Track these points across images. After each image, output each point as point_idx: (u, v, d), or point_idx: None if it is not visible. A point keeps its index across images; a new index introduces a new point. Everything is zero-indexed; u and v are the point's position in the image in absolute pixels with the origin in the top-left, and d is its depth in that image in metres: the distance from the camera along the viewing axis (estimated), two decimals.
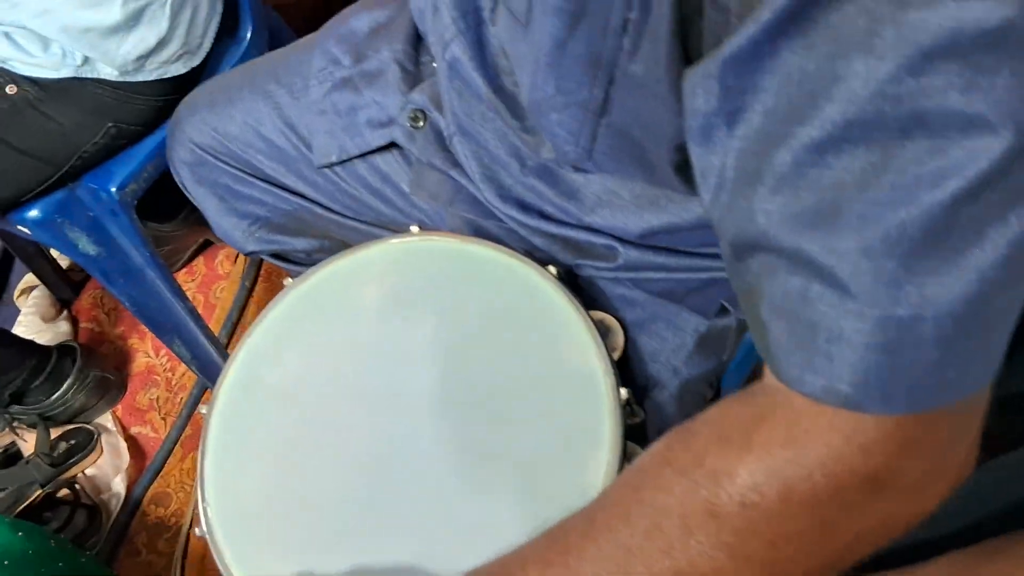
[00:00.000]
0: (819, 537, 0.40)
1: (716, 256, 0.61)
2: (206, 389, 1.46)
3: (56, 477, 1.39)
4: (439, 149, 0.75)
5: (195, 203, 0.98)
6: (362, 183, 0.87)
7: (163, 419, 1.47)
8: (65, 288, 1.61)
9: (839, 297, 0.36)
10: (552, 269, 0.63)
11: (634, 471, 0.46)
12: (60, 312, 1.60)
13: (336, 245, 0.95)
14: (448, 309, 0.65)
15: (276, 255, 0.98)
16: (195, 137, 0.93)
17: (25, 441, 1.41)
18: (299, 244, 0.96)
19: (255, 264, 1.57)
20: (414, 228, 0.69)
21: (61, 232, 1.10)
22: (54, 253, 1.60)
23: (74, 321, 1.61)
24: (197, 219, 1.50)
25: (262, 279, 1.56)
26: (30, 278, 1.60)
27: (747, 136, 0.37)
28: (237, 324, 1.52)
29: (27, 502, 1.36)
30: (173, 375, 1.51)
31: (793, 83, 0.35)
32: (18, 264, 1.68)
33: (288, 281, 0.72)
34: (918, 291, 0.34)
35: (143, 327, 1.55)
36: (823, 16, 0.33)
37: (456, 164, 0.73)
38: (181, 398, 1.48)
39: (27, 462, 1.38)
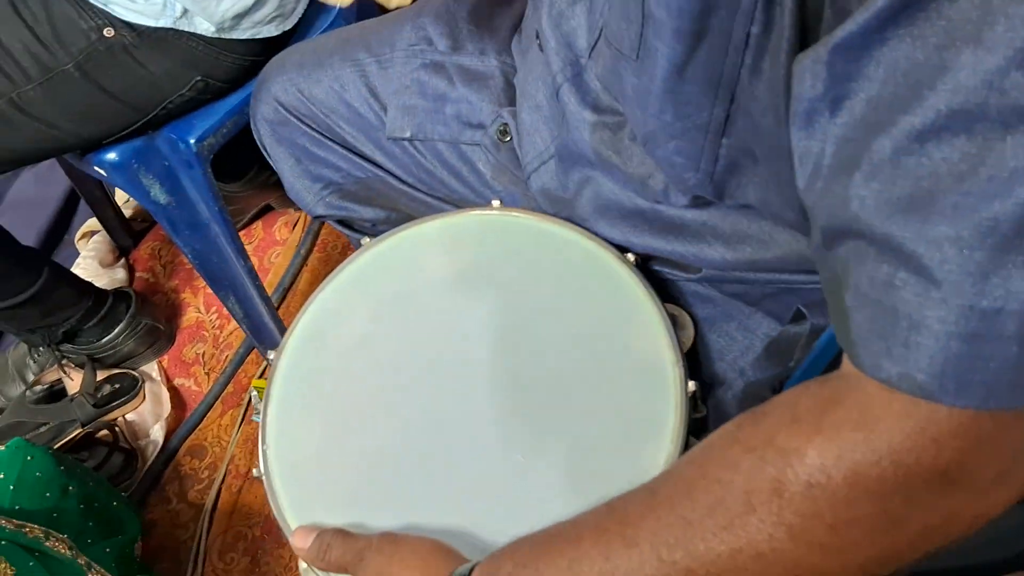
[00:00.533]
0: (882, 527, 0.40)
1: (797, 271, 0.61)
2: (253, 348, 1.48)
3: (97, 418, 1.42)
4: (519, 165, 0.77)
5: (271, 162, 1.00)
6: (440, 160, 0.88)
7: (207, 374, 1.50)
8: (125, 236, 1.64)
9: (924, 285, 0.36)
10: (631, 256, 0.63)
11: (701, 448, 0.47)
12: (118, 259, 1.63)
13: (403, 218, 0.96)
14: (521, 284, 0.65)
15: (342, 221, 1.00)
16: (280, 96, 0.95)
17: (71, 379, 1.44)
18: (366, 213, 0.97)
19: (312, 234, 1.59)
20: (495, 202, 0.70)
21: (136, 178, 1.13)
22: (119, 200, 1.63)
23: (130, 270, 1.64)
24: (262, 183, 1.53)
25: (317, 249, 1.58)
26: (92, 223, 1.63)
27: (848, 123, 0.38)
28: (288, 290, 1.54)
29: (67, 439, 1.38)
30: (221, 333, 1.54)
31: (899, 72, 0.35)
32: (82, 208, 1.72)
33: (365, 240, 0.74)
34: (1003, 284, 0.35)
35: (197, 282, 1.59)
36: (936, 6, 0.33)
37: None
38: (227, 356, 1.50)
39: (71, 400, 1.41)
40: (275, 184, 1.54)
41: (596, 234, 0.65)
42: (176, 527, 1.34)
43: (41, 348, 1.44)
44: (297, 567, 1.13)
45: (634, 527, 0.45)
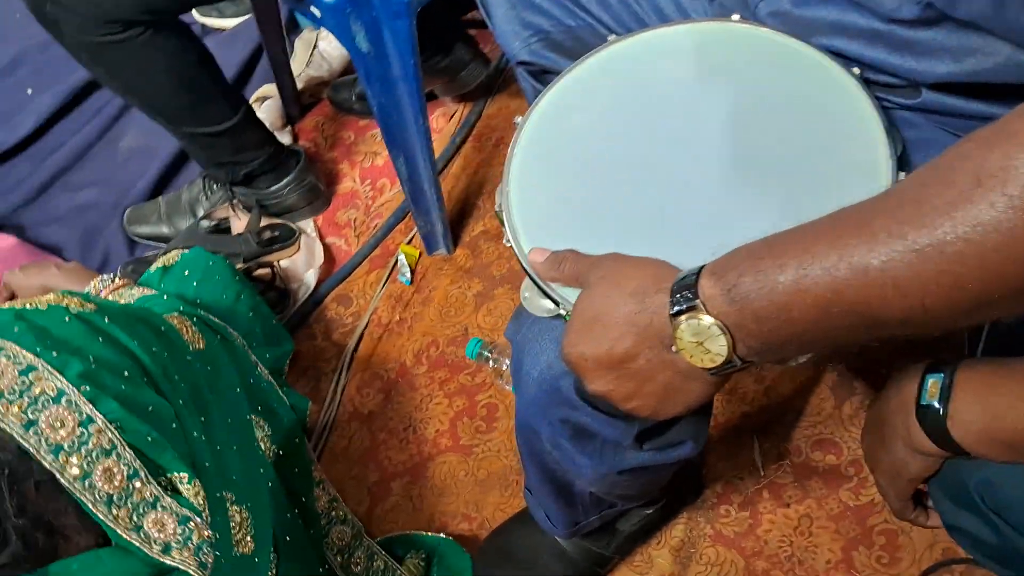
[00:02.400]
0: None
1: (1007, 97, 0.66)
2: (403, 218, 1.59)
3: (258, 256, 1.54)
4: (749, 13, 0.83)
5: (483, 6, 1.08)
6: (657, 13, 0.95)
7: (357, 237, 1.61)
8: (295, 106, 1.76)
9: None
10: (856, 70, 0.70)
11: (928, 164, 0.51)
12: (285, 126, 1.75)
13: None
14: (752, 84, 0.73)
15: (540, 71, 1.08)
16: None
17: (239, 219, 1.56)
18: (566, 66, 1.05)
19: (468, 126, 1.69)
20: (735, 16, 0.78)
21: (346, 22, 1.24)
22: (295, 71, 1.75)
23: (295, 138, 1.76)
24: (431, 67, 1.63)
25: (472, 139, 1.68)
26: (268, 88, 1.76)
27: None
28: (440, 173, 1.64)
29: None
30: (372, 203, 1.65)
31: None
32: (257, 75, 1.85)
33: (612, 37, 0.82)
34: None
35: (355, 156, 1.70)
36: None
37: None
38: (376, 224, 1.61)
39: (240, 235, 1.53)
40: (443, 70, 1.65)
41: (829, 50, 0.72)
42: (319, 360, 1.46)
43: (215, 187, 1.57)
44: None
45: (868, 217, 0.50)
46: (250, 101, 1.75)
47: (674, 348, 0.59)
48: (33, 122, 1.83)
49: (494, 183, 1.62)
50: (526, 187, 0.74)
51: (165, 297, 1.13)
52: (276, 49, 1.64)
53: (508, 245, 0.72)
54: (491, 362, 1.35)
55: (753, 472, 1.20)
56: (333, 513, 1.23)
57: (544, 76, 1.09)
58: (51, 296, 0.93)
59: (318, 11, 1.23)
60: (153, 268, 1.25)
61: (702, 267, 0.57)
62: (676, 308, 0.57)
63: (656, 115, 0.74)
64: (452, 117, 1.72)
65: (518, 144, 0.76)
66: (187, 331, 1.06)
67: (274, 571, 1.03)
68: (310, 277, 1.54)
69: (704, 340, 0.57)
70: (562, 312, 0.68)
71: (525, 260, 0.69)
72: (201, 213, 1.59)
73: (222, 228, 1.58)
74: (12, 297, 1.33)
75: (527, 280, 0.71)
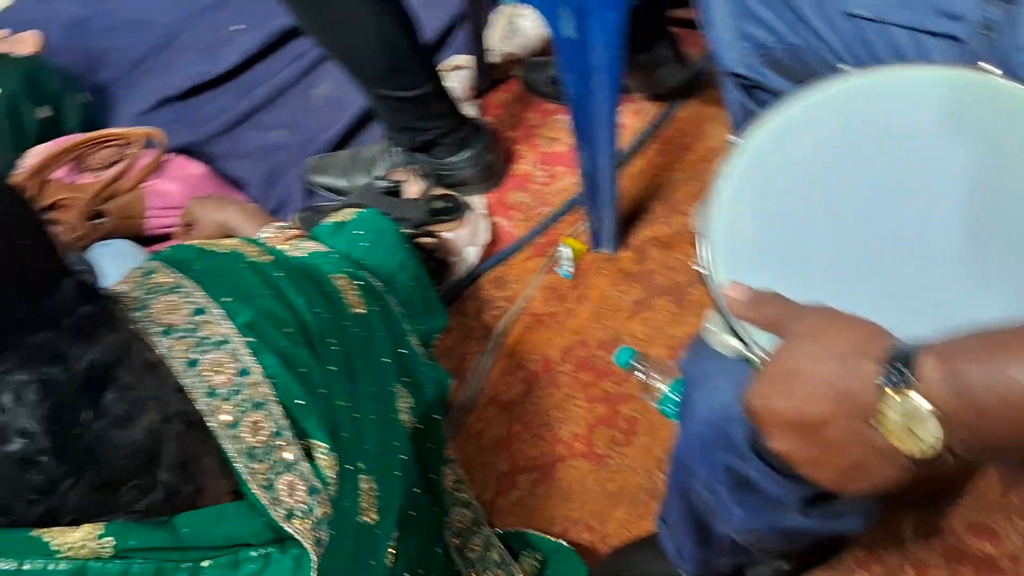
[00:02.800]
0: None
1: None
2: (572, 209, 1.56)
3: (425, 224, 1.55)
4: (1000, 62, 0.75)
5: (702, 12, 1.03)
6: (892, 46, 0.87)
7: (523, 221, 1.59)
8: (485, 80, 1.76)
9: None
10: None
11: None
12: (472, 98, 1.75)
13: None
14: (1006, 148, 0.65)
15: (751, 86, 1.02)
16: None
17: (413, 185, 1.57)
18: (779, 84, 0.99)
19: (656, 126, 1.63)
20: (992, 69, 0.70)
21: (554, 5, 1.21)
22: (490, 44, 1.74)
23: (480, 111, 1.76)
24: (632, 62, 1.58)
25: (658, 141, 1.62)
26: (463, 58, 1.76)
27: None
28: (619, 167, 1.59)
29: None
30: (544, 189, 1.62)
31: None
32: (453, 42, 1.85)
33: (847, 68, 0.75)
34: None
35: (535, 140, 1.68)
36: None
37: None
38: (545, 210, 1.59)
39: (412, 201, 1.54)
40: (641, 66, 1.60)
41: None
42: (467, 338, 1.45)
43: (397, 150, 1.58)
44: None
45: None
46: (442, 68, 1.77)
47: (874, 423, 0.53)
48: (236, 57, 1.90)
49: (672, 189, 1.56)
50: (736, 213, 0.69)
51: (336, 256, 1.14)
52: (476, 22, 1.63)
53: (698, 269, 0.68)
54: (639, 375, 1.30)
55: (899, 544, 1.12)
56: (458, 494, 1.22)
57: (754, 92, 1.03)
58: (234, 240, 0.94)
59: None
60: (327, 221, 1.27)
61: (923, 343, 0.51)
62: (886, 381, 0.51)
63: (892, 164, 0.67)
64: (641, 114, 1.67)
65: (733, 165, 0.71)
66: (350, 294, 1.06)
67: (394, 544, 1.03)
68: (471, 253, 1.53)
69: (913, 424, 0.51)
70: (749, 356, 0.63)
71: (719, 292, 0.65)
72: (380, 172, 1.61)
73: (395, 191, 1.59)
74: (189, 225, 1.38)
75: (714, 313, 0.67)
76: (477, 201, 1.62)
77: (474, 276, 1.53)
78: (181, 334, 0.80)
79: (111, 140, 1.62)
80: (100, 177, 1.54)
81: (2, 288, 0.66)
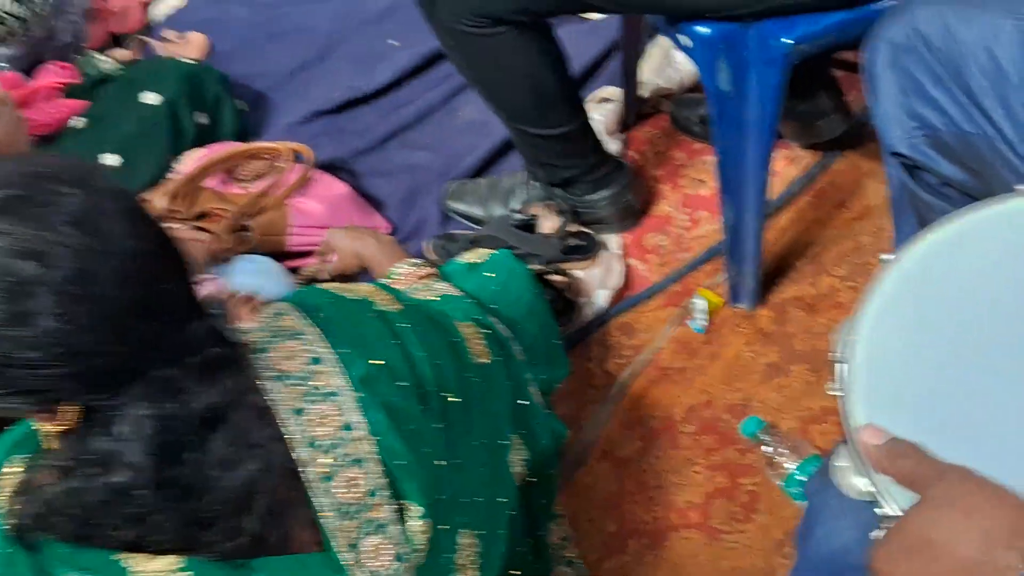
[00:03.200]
0: None
1: None
2: (712, 258, 1.49)
3: (557, 262, 1.52)
4: None
5: (870, 84, 0.96)
6: None
7: (660, 266, 1.53)
8: (633, 114, 1.71)
9: None
10: None
11: None
12: (617, 132, 1.71)
13: (985, 186, 0.89)
14: None
15: (913, 167, 0.95)
16: (921, 25, 0.90)
17: (548, 220, 1.54)
18: (947, 170, 0.91)
19: (810, 177, 1.54)
20: None
21: (713, 58, 1.15)
22: (642, 77, 1.69)
23: (624, 145, 1.71)
24: (790, 111, 1.49)
25: (811, 193, 1.53)
26: (612, 91, 1.72)
27: None
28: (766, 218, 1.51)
29: None
30: (685, 234, 1.56)
31: None
32: (603, 73, 1.81)
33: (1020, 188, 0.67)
34: None
35: (679, 180, 1.63)
36: None
37: None
38: (683, 257, 1.53)
39: (545, 237, 1.52)
40: (798, 115, 1.52)
41: None
42: (587, 385, 1.42)
43: (536, 184, 1.56)
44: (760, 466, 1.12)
45: None
46: (589, 100, 1.73)
47: None
48: (390, 74, 1.92)
49: (822, 247, 1.47)
50: (881, 341, 0.62)
51: (467, 303, 1.13)
52: (631, 53, 1.59)
53: (833, 395, 0.62)
54: (767, 449, 1.23)
55: None
56: (563, 552, 1.19)
57: (918, 172, 0.96)
58: (368, 288, 0.95)
59: (689, 41, 1.16)
60: (460, 260, 1.26)
61: None
62: None
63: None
64: (794, 163, 1.58)
65: (883, 284, 0.64)
66: (475, 343, 1.05)
67: None
68: (601, 296, 1.49)
69: None
70: (879, 507, 0.57)
71: (854, 430, 0.59)
72: (516, 205, 1.59)
73: (530, 225, 1.57)
74: (327, 254, 1.41)
75: (845, 449, 0.61)
76: (613, 241, 1.57)
77: (602, 320, 1.48)
78: (293, 382, 0.81)
79: (263, 153, 1.67)
80: (248, 190, 1.60)
81: (141, 322, 0.68)
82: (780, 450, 1.22)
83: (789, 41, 1.09)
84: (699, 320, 1.43)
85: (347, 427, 0.81)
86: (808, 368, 1.34)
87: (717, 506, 1.24)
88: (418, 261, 1.22)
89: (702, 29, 1.13)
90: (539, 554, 1.16)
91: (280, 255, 1.54)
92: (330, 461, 0.79)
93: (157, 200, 1.57)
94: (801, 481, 1.19)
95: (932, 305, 0.63)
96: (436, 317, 1.03)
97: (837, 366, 0.63)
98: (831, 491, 0.66)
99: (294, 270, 1.54)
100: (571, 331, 1.47)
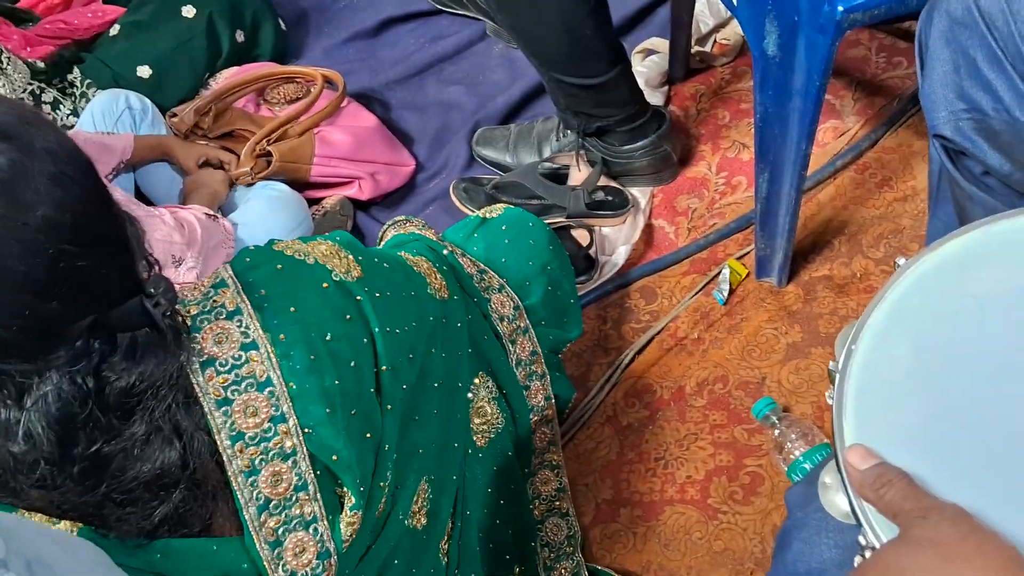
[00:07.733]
0: None
1: None
2: (744, 229, 1.43)
3: (582, 217, 1.47)
4: None
5: (921, 58, 0.89)
6: None
7: (688, 230, 1.48)
8: (681, 67, 1.63)
9: None
10: None
11: None
12: (662, 85, 1.63)
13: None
14: None
15: (956, 151, 0.88)
16: (983, 0, 0.83)
17: (578, 171, 1.49)
18: (991, 159, 0.86)
19: (856, 152, 1.46)
20: None
21: (762, 18, 1.07)
22: (696, 31, 1.61)
23: (667, 100, 1.64)
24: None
25: (855, 168, 1.46)
26: (658, 42, 1.64)
27: None
28: (804, 193, 1.44)
29: (550, 222, 1.46)
30: (719, 199, 1.50)
31: None
32: (652, 22, 1.73)
33: None
34: None
35: (720, 141, 1.56)
36: None
37: None
38: (714, 223, 1.47)
39: (571, 189, 1.47)
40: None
41: None
42: (599, 348, 1.38)
43: (567, 132, 1.50)
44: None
45: None
46: (633, 51, 1.66)
47: None
48: (427, 4, 1.86)
49: (861, 227, 1.40)
50: (883, 355, 0.58)
51: (417, 242, 1.10)
52: (681, 7, 1.51)
53: (830, 403, 0.58)
54: (776, 432, 1.19)
55: None
56: (557, 503, 1.17)
57: (961, 158, 0.89)
58: (326, 247, 0.88)
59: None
60: (473, 215, 1.22)
61: None
62: None
63: None
64: (843, 136, 1.50)
65: (893, 291, 0.60)
66: (434, 279, 1.01)
67: (448, 540, 1.00)
68: (620, 255, 1.44)
69: None
70: (859, 533, 0.54)
71: (842, 449, 0.55)
72: (547, 153, 1.54)
73: (560, 175, 1.52)
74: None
75: (832, 467, 0.57)
76: (642, 196, 1.51)
77: (625, 281, 1.44)
78: (221, 369, 0.75)
79: (296, 76, 1.63)
80: (277, 114, 1.56)
81: (74, 295, 0.63)
82: (789, 436, 1.18)
83: (843, 8, 1.01)
84: (722, 291, 1.38)
85: (276, 420, 0.76)
86: (830, 353, 1.29)
87: (717, 484, 1.21)
88: (401, 218, 1.21)
89: None
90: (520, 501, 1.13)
91: (299, 185, 1.51)
92: (253, 455, 0.75)
93: (184, 115, 1.55)
94: (806, 469, 1.15)
95: (943, 320, 0.58)
96: (390, 262, 0.98)
97: (835, 374, 0.59)
98: (815, 505, 0.62)
99: (314, 201, 1.51)
100: (589, 289, 1.43)
